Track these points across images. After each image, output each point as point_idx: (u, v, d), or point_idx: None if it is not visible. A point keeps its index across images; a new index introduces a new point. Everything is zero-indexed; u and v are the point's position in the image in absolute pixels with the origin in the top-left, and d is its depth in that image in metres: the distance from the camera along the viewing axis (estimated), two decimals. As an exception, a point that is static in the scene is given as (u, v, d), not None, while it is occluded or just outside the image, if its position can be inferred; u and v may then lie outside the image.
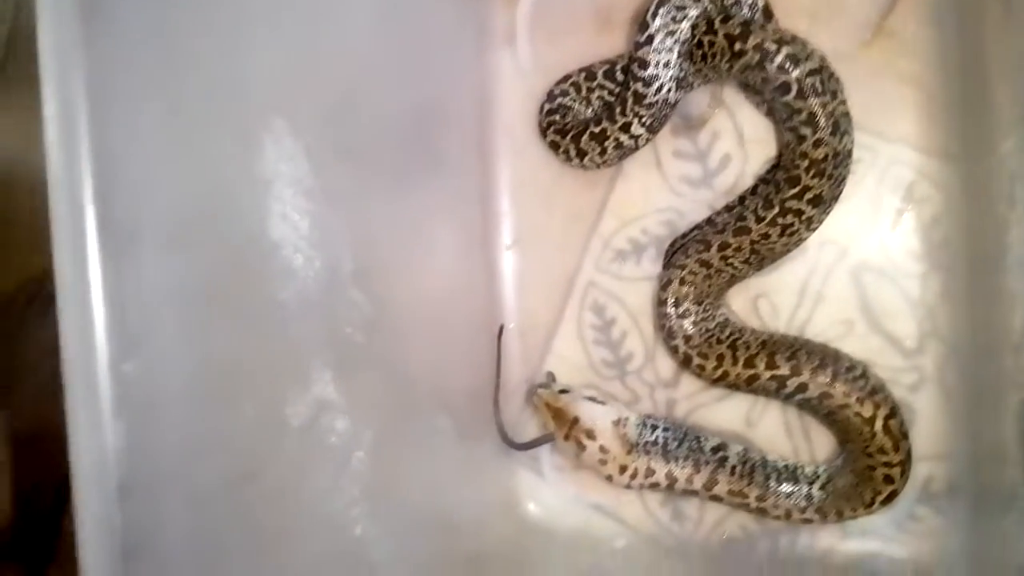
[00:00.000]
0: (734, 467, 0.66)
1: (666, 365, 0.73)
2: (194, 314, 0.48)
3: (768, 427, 0.70)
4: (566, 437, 0.68)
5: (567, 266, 0.76)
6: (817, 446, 0.69)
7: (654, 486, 0.67)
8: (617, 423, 0.67)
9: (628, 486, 0.67)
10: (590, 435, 0.67)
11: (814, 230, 0.64)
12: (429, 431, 0.69)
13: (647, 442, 0.67)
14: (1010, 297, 0.50)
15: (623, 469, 0.66)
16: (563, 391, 0.70)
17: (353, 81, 0.62)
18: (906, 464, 0.62)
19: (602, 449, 0.66)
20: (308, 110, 0.56)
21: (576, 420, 0.67)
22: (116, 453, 0.42)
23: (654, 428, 0.67)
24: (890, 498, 0.63)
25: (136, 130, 0.45)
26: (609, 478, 0.68)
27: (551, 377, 0.74)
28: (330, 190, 0.57)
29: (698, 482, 0.66)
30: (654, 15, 0.64)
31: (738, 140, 0.70)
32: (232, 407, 0.50)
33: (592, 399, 0.68)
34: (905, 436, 0.62)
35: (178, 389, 0.47)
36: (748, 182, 0.70)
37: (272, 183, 0.53)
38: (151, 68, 0.46)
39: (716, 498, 0.67)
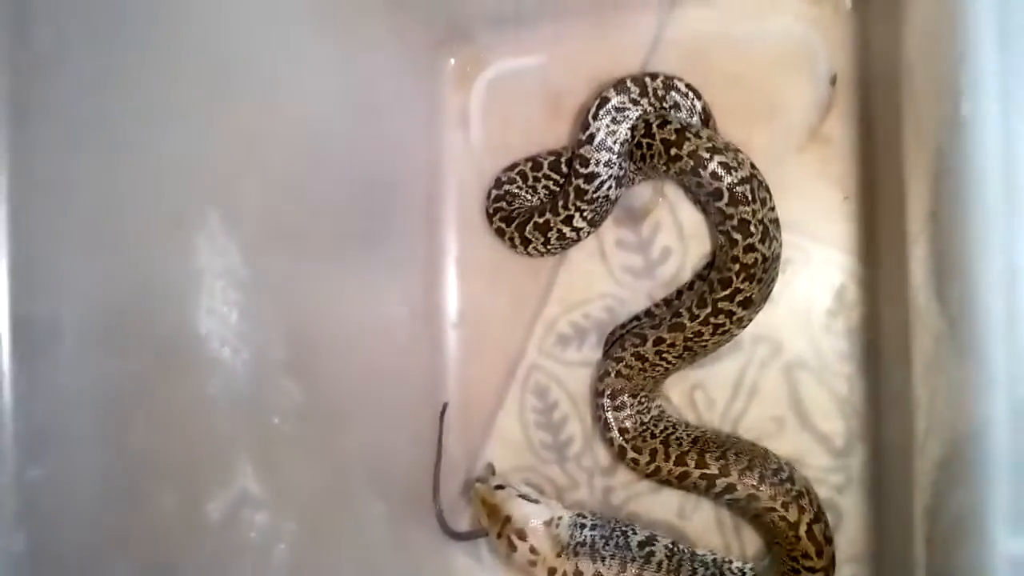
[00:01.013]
0: (660, 562, 0.66)
1: (604, 452, 0.74)
2: (112, 412, 0.48)
3: (700, 520, 0.70)
4: (499, 535, 0.68)
5: (511, 347, 0.77)
6: (747, 543, 0.69)
7: None
8: (549, 523, 0.67)
9: None
10: (521, 535, 0.67)
11: (744, 328, 0.65)
12: (361, 518, 0.68)
13: (577, 543, 0.67)
14: (915, 402, 0.51)
15: (552, 572, 0.66)
16: (499, 487, 0.70)
17: (300, 164, 0.63)
18: (829, 570, 0.62)
19: (532, 550, 0.66)
20: (247, 195, 0.57)
21: (508, 519, 0.67)
22: (15, 563, 0.41)
23: (583, 527, 0.68)
24: (814, 601, 0.63)
25: (63, 221, 0.45)
26: None
27: (491, 469, 0.74)
28: (263, 279, 0.57)
29: (625, 581, 0.66)
30: (595, 116, 0.66)
31: (678, 234, 0.71)
32: (148, 504, 0.50)
33: (526, 497, 0.68)
34: (829, 542, 0.62)
35: (89, 489, 0.46)
36: (687, 275, 0.71)
37: (202, 276, 0.53)
38: (82, 159, 0.47)
39: (645, 595, 0.67)
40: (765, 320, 0.67)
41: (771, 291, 0.64)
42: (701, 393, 0.71)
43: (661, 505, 0.72)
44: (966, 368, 0.42)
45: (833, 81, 0.67)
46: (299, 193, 0.63)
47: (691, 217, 0.71)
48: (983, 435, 0.40)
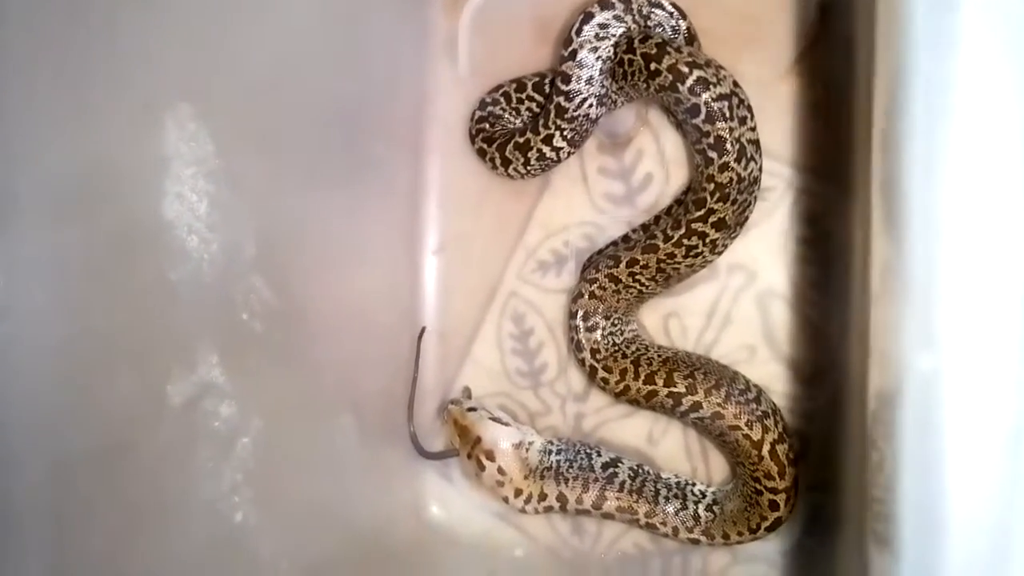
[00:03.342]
0: (623, 483, 0.66)
1: (577, 379, 0.74)
2: (72, 286, 0.48)
3: (669, 446, 0.71)
4: (468, 456, 0.68)
5: (490, 274, 0.77)
6: (714, 469, 0.69)
7: (548, 509, 0.68)
8: (519, 446, 0.68)
9: (523, 510, 0.68)
10: (489, 456, 0.67)
11: (719, 253, 0.65)
12: (331, 428, 0.69)
13: (544, 467, 0.67)
14: (869, 331, 0.51)
15: (518, 492, 0.67)
16: (471, 409, 0.70)
17: (279, 70, 0.62)
18: (792, 492, 0.62)
19: (500, 471, 0.67)
20: (221, 93, 0.57)
21: (479, 440, 0.68)
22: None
23: (551, 453, 0.68)
24: (775, 525, 0.63)
25: (28, 95, 0.46)
26: (505, 500, 0.68)
27: (467, 392, 0.75)
28: (237, 175, 0.57)
29: (587, 501, 0.67)
30: (578, 31, 0.65)
31: (660, 161, 0.71)
32: (107, 380, 0.51)
33: (497, 420, 0.69)
34: (793, 464, 0.62)
35: (46, 358, 0.47)
36: (668, 202, 0.71)
37: (170, 162, 0.53)
38: (55, 30, 0.47)
39: (608, 516, 0.67)
40: (741, 248, 0.67)
41: (747, 217, 0.64)
42: (675, 321, 0.71)
43: (631, 431, 0.72)
44: (911, 297, 0.41)
45: (822, 8, 0.66)
46: (276, 102, 0.62)
47: (674, 144, 0.70)
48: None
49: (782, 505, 0.62)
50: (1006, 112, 0.38)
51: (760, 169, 0.62)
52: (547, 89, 0.71)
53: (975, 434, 0.39)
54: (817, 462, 0.66)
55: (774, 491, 0.62)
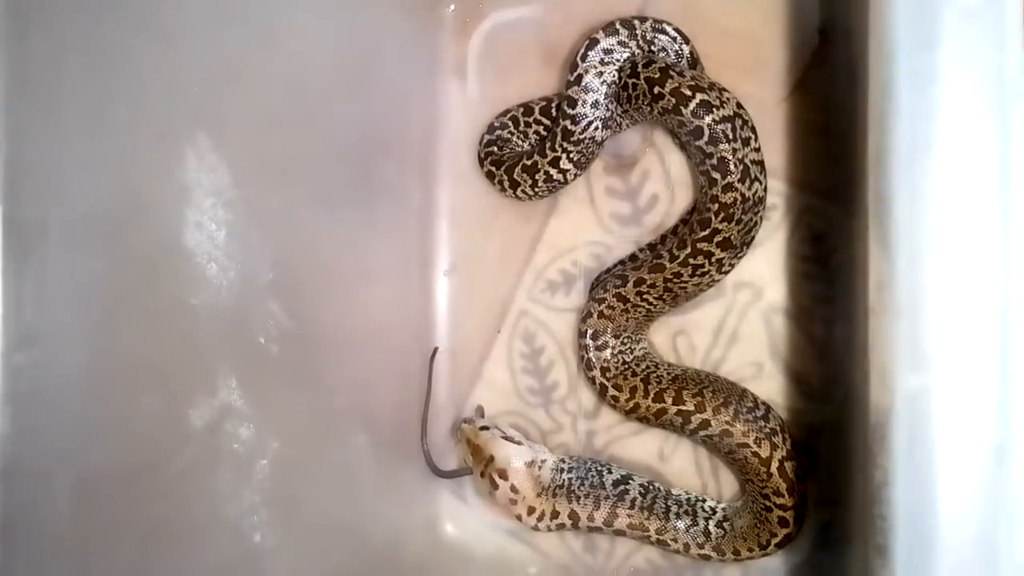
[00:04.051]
0: (634, 500, 0.67)
1: (588, 397, 0.75)
2: (97, 311, 0.50)
3: (679, 463, 0.71)
4: (482, 474, 0.69)
5: (501, 294, 0.78)
6: (724, 485, 0.70)
7: (560, 527, 0.69)
8: (531, 464, 0.69)
9: (535, 527, 0.69)
10: (503, 475, 0.68)
11: (726, 273, 0.66)
12: (346, 447, 0.70)
13: (556, 485, 0.68)
14: (869, 346, 0.52)
15: (531, 510, 0.68)
16: (484, 428, 0.71)
17: (293, 98, 0.64)
18: (801, 509, 0.63)
19: (513, 489, 0.68)
20: (238, 123, 0.59)
21: (492, 459, 0.69)
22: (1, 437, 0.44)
23: (563, 471, 0.69)
24: (785, 541, 0.64)
25: (55, 128, 0.48)
26: (518, 518, 0.69)
27: (480, 411, 0.76)
28: (253, 203, 0.59)
29: (599, 518, 0.68)
30: (584, 56, 0.67)
31: (666, 181, 0.72)
32: (131, 403, 0.52)
33: (510, 439, 0.70)
34: (801, 481, 0.63)
35: (73, 380, 0.49)
36: (674, 222, 0.72)
37: (191, 192, 0.55)
38: (79, 66, 0.49)
39: (619, 532, 0.68)
40: (747, 266, 0.68)
41: (754, 236, 0.65)
42: (683, 338, 0.72)
43: (642, 448, 0.73)
44: (902, 316, 0.42)
45: (822, 32, 0.68)
46: (291, 130, 0.64)
47: (679, 165, 0.72)
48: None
49: (791, 522, 0.63)
50: (983, 141, 0.40)
51: (765, 189, 0.63)
52: (554, 113, 0.72)
53: (962, 448, 0.40)
54: (825, 477, 0.66)
55: (783, 508, 0.63)
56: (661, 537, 0.67)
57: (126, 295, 0.52)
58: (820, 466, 0.67)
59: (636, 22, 0.67)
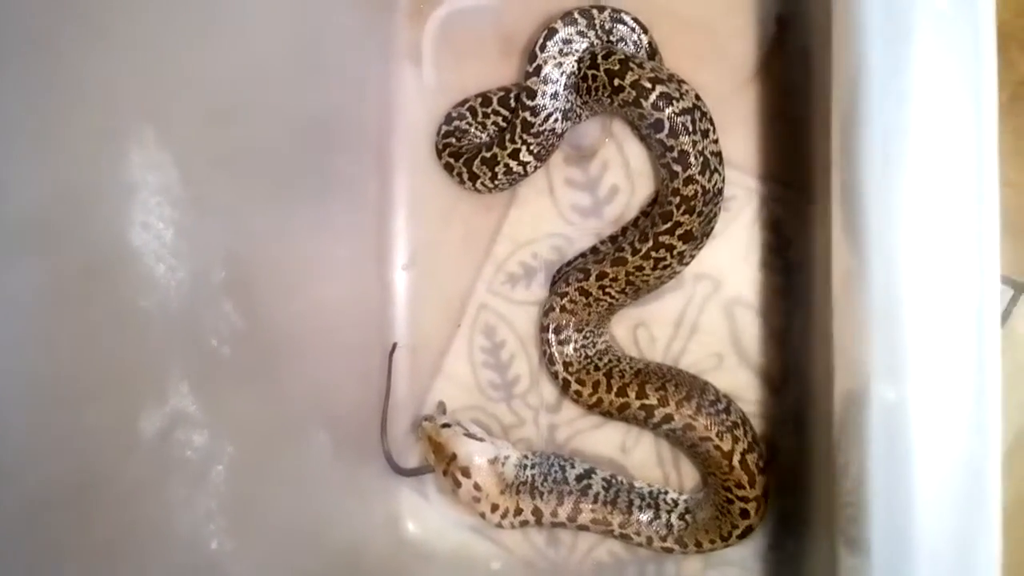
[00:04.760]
0: (597, 494, 0.67)
1: (550, 390, 0.74)
2: (38, 319, 0.47)
3: (641, 455, 0.72)
4: (444, 472, 0.68)
5: (460, 287, 0.77)
6: (686, 477, 0.70)
7: (524, 523, 0.68)
8: (494, 461, 0.68)
9: (499, 524, 0.69)
10: (465, 473, 0.67)
11: (686, 264, 0.66)
12: (304, 448, 0.68)
13: (520, 482, 0.68)
14: (833, 337, 0.52)
15: (494, 508, 0.67)
16: (445, 425, 0.70)
17: (241, 89, 0.62)
18: (762, 500, 0.63)
19: (476, 487, 0.67)
20: (183, 117, 0.56)
21: (454, 456, 0.68)
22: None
23: (526, 467, 0.69)
24: (746, 533, 0.64)
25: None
26: (482, 516, 0.69)
27: (441, 408, 0.75)
28: (202, 200, 0.57)
29: (563, 514, 0.67)
30: (542, 47, 0.66)
31: (626, 172, 0.72)
32: (78, 413, 0.50)
33: (472, 436, 0.69)
34: (762, 472, 0.64)
35: (13, 394, 0.46)
36: (634, 213, 0.71)
37: (136, 191, 0.52)
38: (12, 62, 0.46)
39: (583, 527, 0.68)
40: (707, 257, 0.68)
41: (713, 227, 0.65)
42: (644, 331, 0.72)
43: (604, 441, 0.73)
44: (871, 307, 0.43)
45: (779, 20, 0.68)
46: (240, 121, 0.62)
47: (638, 156, 0.71)
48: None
49: (752, 513, 0.63)
50: (959, 126, 0.40)
51: (723, 180, 0.63)
52: (512, 104, 0.71)
53: (940, 437, 0.40)
54: (786, 467, 0.67)
55: (745, 500, 0.63)
56: (624, 531, 0.67)
57: (68, 301, 0.49)
58: (780, 456, 0.67)
59: (594, 11, 0.66)
